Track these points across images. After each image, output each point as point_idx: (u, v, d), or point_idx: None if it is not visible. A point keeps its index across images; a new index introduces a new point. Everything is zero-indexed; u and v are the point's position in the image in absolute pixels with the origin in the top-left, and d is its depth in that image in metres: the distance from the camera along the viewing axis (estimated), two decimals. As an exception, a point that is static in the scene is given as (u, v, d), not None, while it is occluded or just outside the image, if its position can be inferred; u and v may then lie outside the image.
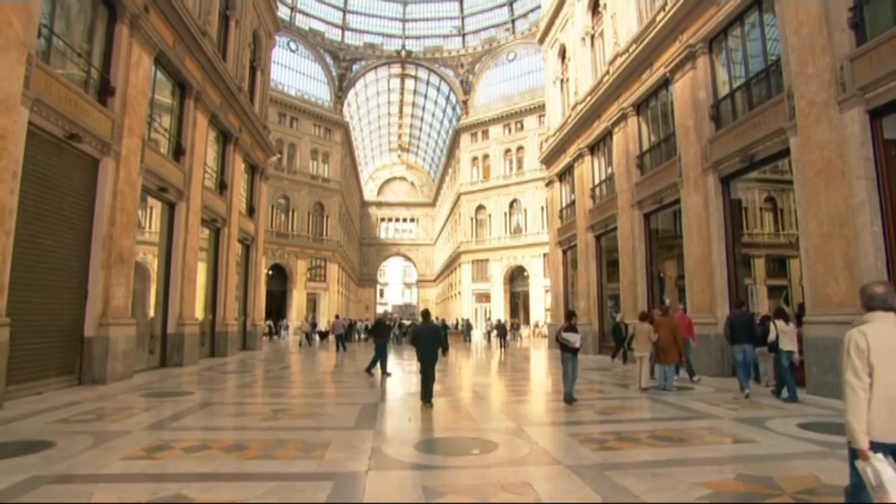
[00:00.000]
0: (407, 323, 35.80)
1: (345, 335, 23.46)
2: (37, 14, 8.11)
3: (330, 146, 46.85)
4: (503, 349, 24.33)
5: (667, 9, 13.56)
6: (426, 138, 66.93)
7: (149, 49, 11.79)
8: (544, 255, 36.06)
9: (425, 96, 58.09)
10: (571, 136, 21.13)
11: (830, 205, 8.56)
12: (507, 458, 5.00)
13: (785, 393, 8.48)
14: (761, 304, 15.18)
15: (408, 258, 74.37)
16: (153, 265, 13.69)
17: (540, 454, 5.22)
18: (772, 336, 8.93)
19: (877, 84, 7.92)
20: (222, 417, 7.45)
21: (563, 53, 23.00)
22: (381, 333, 13.44)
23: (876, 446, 2.62)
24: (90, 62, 10.43)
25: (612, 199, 17.65)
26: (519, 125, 45.23)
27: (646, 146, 16.16)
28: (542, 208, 38.92)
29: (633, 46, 15.54)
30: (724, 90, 12.54)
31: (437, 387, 8.66)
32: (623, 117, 16.78)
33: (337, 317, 28.45)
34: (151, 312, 13.39)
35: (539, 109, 39.82)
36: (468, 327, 34.76)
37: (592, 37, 19.85)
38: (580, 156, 20.46)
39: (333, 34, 49.16)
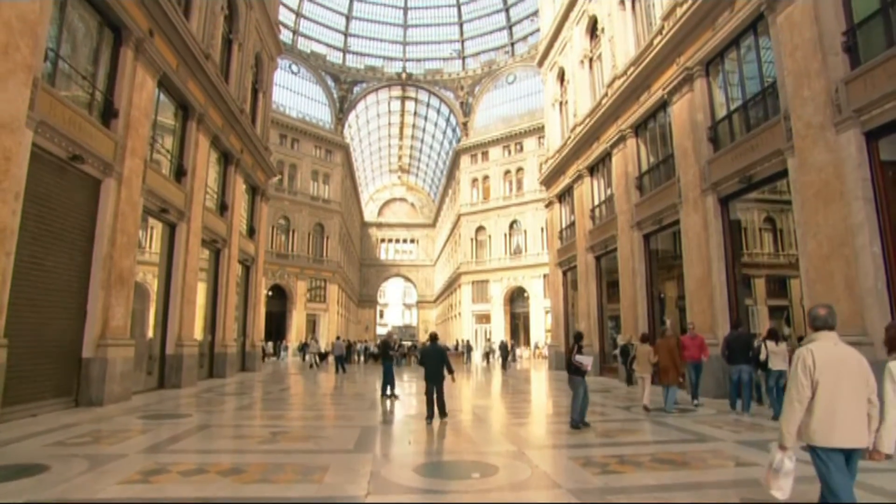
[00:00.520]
0: (408, 344, 35.56)
1: (344, 356, 23.35)
2: (44, 38, 8.24)
3: (330, 167, 47.16)
4: (504, 370, 24.10)
5: (664, 32, 13.78)
6: (426, 160, 67.39)
7: (153, 72, 11.95)
8: (544, 275, 35.97)
9: (425, 118, 58.66)
10: (571, 157, 21.27)
11: (829, 225, 8.59)
12: (507, 482, 4.94)
13: None
14: (762, 325, 15.09)
15: (408, 279, 74.24)
16: (153, 285, 13.64)
17: (541, 478, 5.16)
18: (763, 356, 8.94)
19: (872, 106, 8.01)
20: (220, 440, 7.36)
21: (561, 76, 23.29)
22: (387, 355, 13.43)
23: (823, 451, 3.02)
24: (94, 84, 10.56)
25: (612, 219, 17.69)
26: (518, 147, 45.54)
27: (645, 167, 16.27)
28: (542, 229, 38.95)
29: (631, 69, 15.75)
30: (721, 112, 12.67)
31: (436, 409, 8.62)
32: (622, 139, 16.92)
33: (338, 338, 28.33)
34: (150, 333, 13.30)
35: (538, 131, 40.10)
36: (468, 349, 34.55)
37: (591, 60, 20.12)
38: (579, 177, 20.57)
39: (335, 57, 49.92)
